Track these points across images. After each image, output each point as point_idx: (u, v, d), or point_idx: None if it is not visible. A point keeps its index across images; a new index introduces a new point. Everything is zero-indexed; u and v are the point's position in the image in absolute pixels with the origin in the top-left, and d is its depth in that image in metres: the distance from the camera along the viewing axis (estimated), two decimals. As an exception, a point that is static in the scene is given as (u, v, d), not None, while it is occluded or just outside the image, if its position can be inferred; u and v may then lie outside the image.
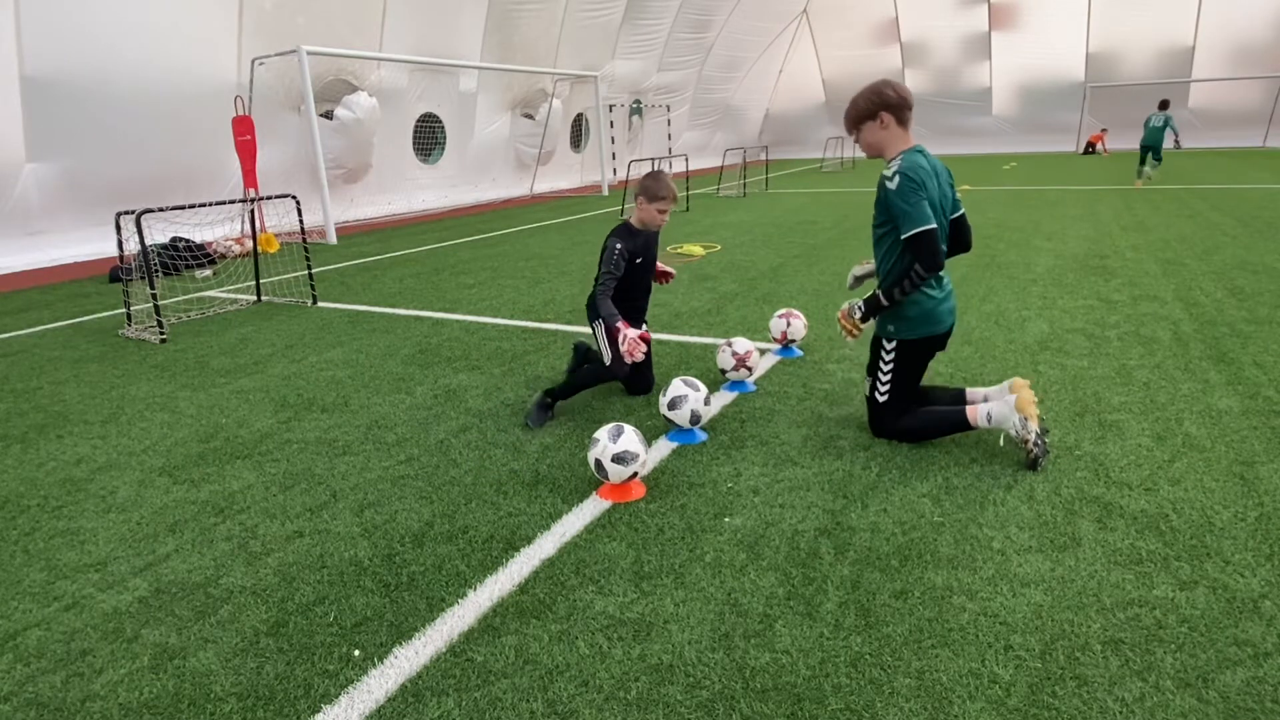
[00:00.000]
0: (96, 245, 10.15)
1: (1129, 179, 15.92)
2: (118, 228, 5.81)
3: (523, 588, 2.42)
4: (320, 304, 6.96)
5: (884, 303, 3.15)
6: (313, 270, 7.35)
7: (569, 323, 5.78)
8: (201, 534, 2.87)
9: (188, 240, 9.51)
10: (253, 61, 11.46)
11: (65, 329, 6.48)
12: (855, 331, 3.27)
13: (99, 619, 2.37)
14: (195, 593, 2.48)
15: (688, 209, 13.68)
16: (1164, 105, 16.17)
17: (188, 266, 9.26)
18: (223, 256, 10.01)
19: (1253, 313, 5.22)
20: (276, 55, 11.34)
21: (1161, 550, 2.47)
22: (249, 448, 3.68)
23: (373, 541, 2.75)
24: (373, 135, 13.49)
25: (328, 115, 12.84)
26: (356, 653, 2.15)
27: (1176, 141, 15.82)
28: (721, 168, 22.87)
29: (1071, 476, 3.00)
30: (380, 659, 2.11)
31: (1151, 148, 15.48)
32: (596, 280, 3.89)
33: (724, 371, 4.15)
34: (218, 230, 10.79)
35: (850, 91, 3.36)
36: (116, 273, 8.65)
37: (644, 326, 4.18)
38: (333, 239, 11.50)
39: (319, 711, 1.94)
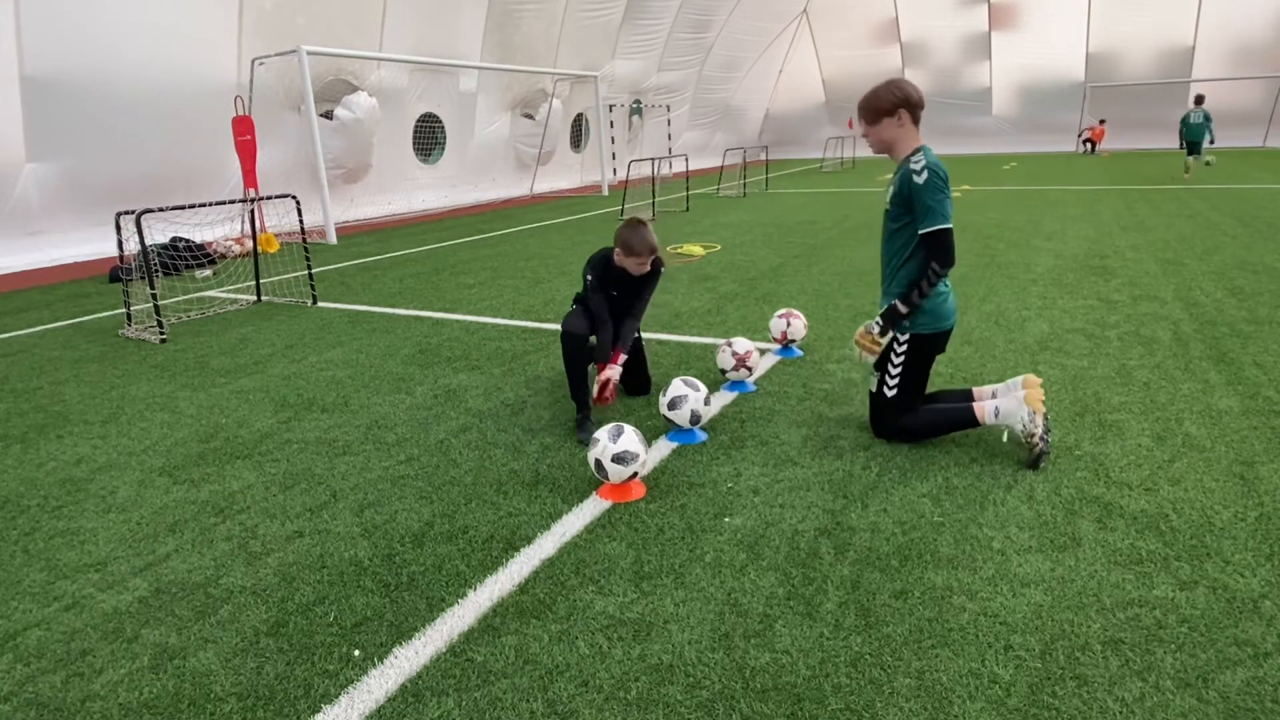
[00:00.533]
0: (96, 245, 10.15)
1: (1129, 179, 15.92)
2: (118, 228, 5.81)
3: (523, 588, 2.42)
4: (320, 304, 6.96)
5: (904, 310, 3.13)
6: (313, 270, 7.35)
7: (569, 323, 5.77)
8: (201, 534, 2.87)
9: (188, 240, 9.51)
10: (253, 61, 11.46)
11: (65, 329, 6.48)
12: (875, 349, 3.23)
13: (99, 619, 2.37)
14: (195, 593, 2.48)
15: (687, 209, 13.68)
16: (1199, 101, 16.44)
17: (188, 266, 9.26)
18: (223, 256, 10.02)
19: (1253, 313, 5.22)
20: (276, 55, 11.35)
21: (1161, 550, 2.47)
22: (249, 448, 3.68)
23: (373, 541, 2.75)
24: (373, 135, 13.49)
25: (328, 115, 12.84)
26: (356, 653, 2.15)
27: (1211, 137, 16.09)
28: (721, 168, 22.87)
29: (1071, 476, 3.00)
30: (380, 659, 2.11)
31: (1193, 144, 15.90)
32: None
33: (724, 371, 4.15)
34: (218, 230, 10.80)
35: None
36: (116, 273, 8.65)
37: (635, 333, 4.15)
38: (333, 239, 11.50)
39: (319, 711, 1.94)
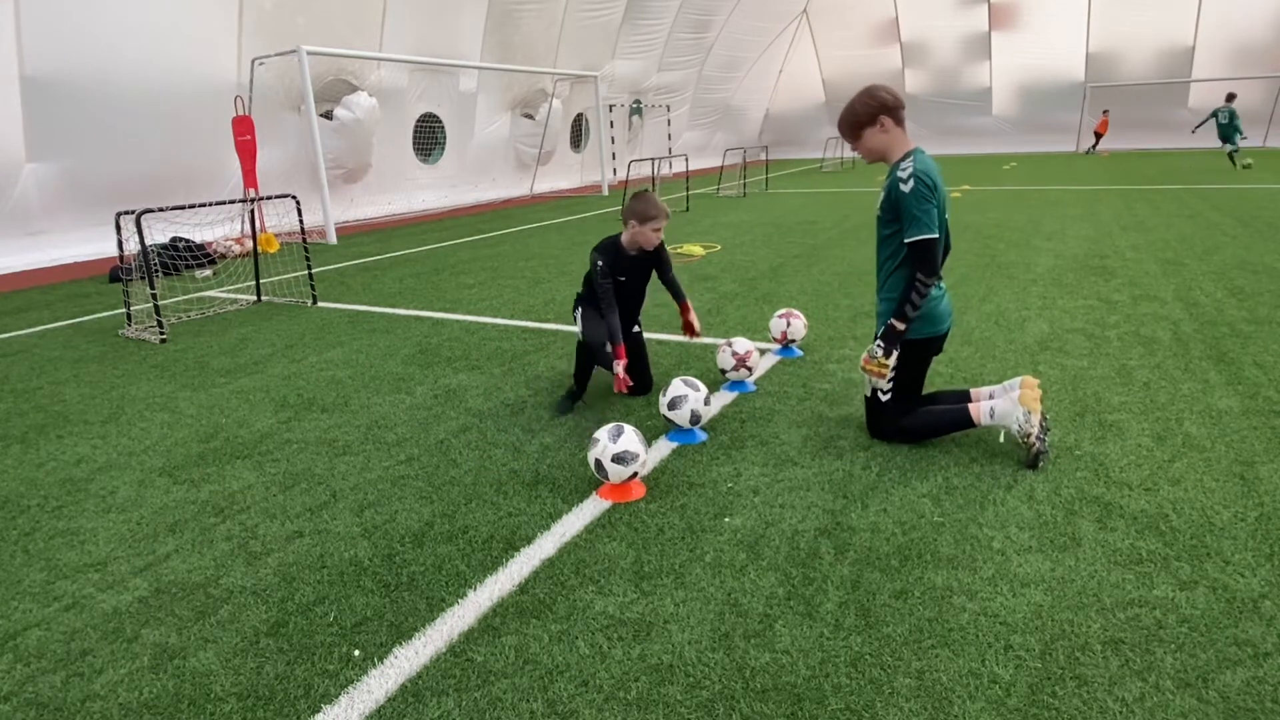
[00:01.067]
0: (96, 245, 10.15)
1: (1129, 179, 15.92)
2: (118, 228, 5.81)
3: (523, 588, 2.42)
4: (320, 304, 6.96)
5: (900, 327, 3.11)
6: (313, 270, 7.35)
7: (569, 323, 5.78)
8: (201, 534, 2.87)
9: (188, 240, 9.51)
10: (253, 61, 11.46)
11: (65, 329, 6.48)
12: (883, 372, 3.18)
13: (99, 619, 2.37)
14: (195, 593, 2.48)
15: (687, 209, 13.68)
16: (1230, 98, 18.28)
17: (188, 266, 9.26)
18: (223, 256, 10.02)
19: (1253, 313, 5.22)
20: (276, 55, 11.35)
21: (1161, 550, 2.47)
22: (249, 448, 3.68)
23: (373, 541, 2.75)
24: (373, 135, 13.49)
25: (328, 115, 12.84)
26: (356, 653, 2.15)
27: (1241, 134, 17.80)
28: (721, 168, 22.87)
29: (1071, 476, 3.00)
30: (380, 659, 2.11)
31: (1226, 139, 17.81)
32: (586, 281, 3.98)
33: (724, 371, 4.15)
34: (218, 230, 10.80)
35: (850, 91, 3.35)
36: (116, 273, 8.66)
37: (636, 328, 4.21)
38: (333, 239, 11.50)
39: (319, 711, 1.94)
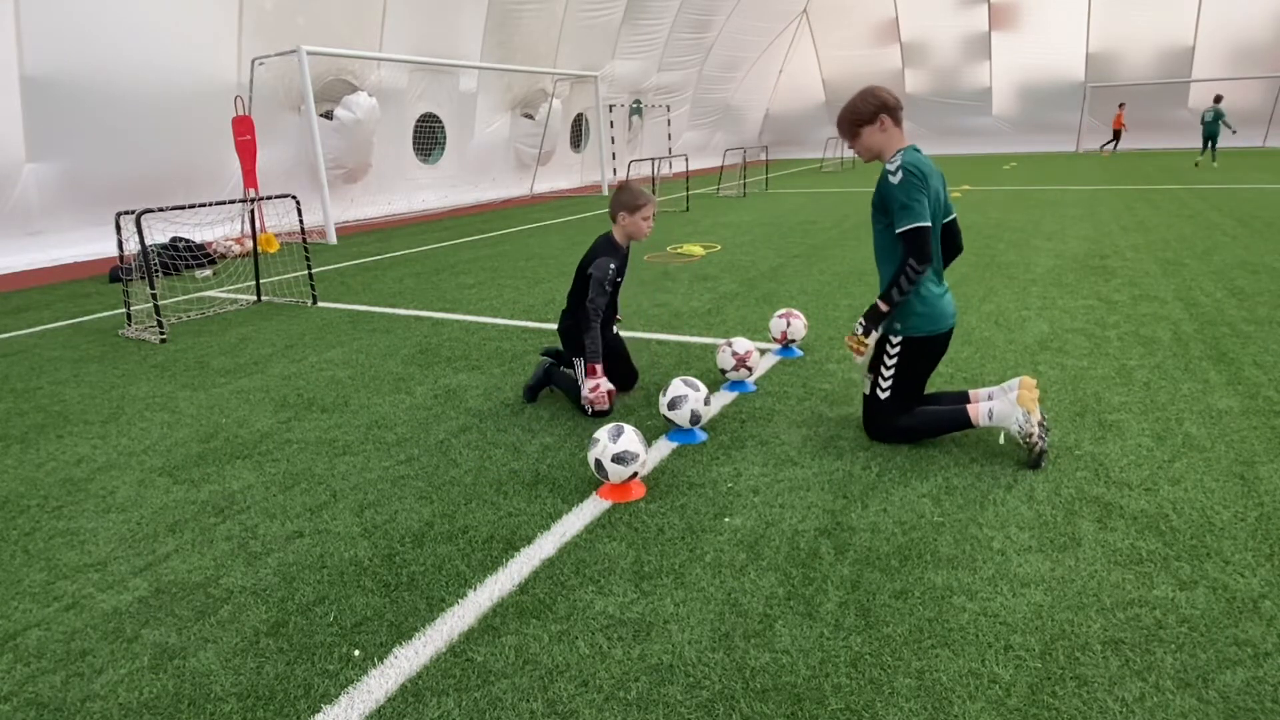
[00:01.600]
0: (96, 245, 10.16)
1: (1129, 179, 15.93)
2: (118, 228, 5.81)
3: (523, 588, 2.42)
4: (320, 304, 6.96)
5: (884, 308, 3.15)
6: (313, 270, 7.35)
7: (569, 323, 5.78)
8: (201, 534, 2.87)
9: (188, 240, 9.51)
10: (253, 61, 11.46)
11: (65, 329, 6.48)
12: (862, 349, 3.23)
13: (99, 619, 2.37)
14: (195, 593, 2.48)
15: (687, 209, 13.68)
16: (1218, 100, 19.82)
17: (188, 266, 9.26)
18: (223, 256, 10.02)
19: (1253, 313, 5.22)
20: (276, 55, 11.35)
21: (1161, 550, 2.47)
22: (249, 448, 3.68)
23: (373, 541, 2.75)
24: (372, 135, 13.49)
25: (328, 115, 12.84)
26: (356, 653, 2.15)
27: (1232, 129, 19.50)
28: (721, 168, 22.87)
29: (1071, 476, 3.00)
30: (380, 659, 2.11)
31: (1210, 138, 19.16)
32: (571, 295, 3.94)
33: (724, 371, 4.15)
34: (218, 230, 10.80)
35: (850, 91, 3.36)
36: (116, 273, 8.66)
37: (615, 327, 4.20)
38: (333, 239, 11.50)
39: (319, 711, 1.94)
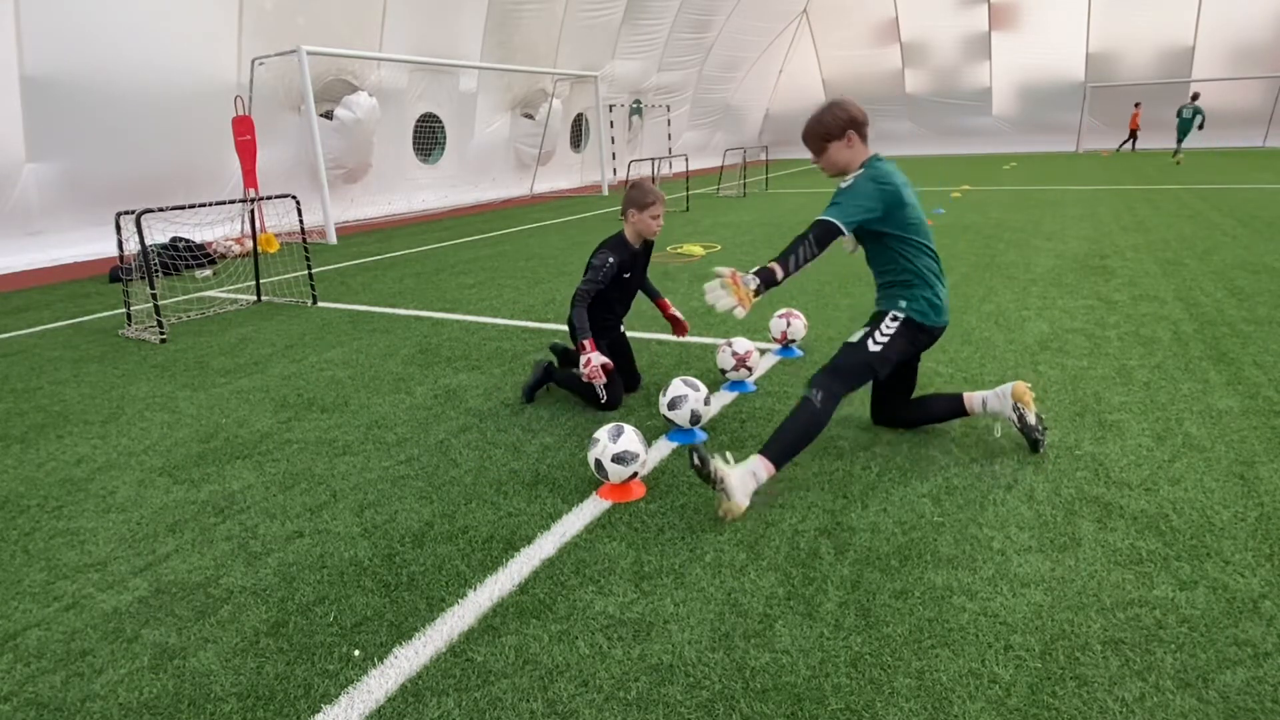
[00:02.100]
0: (96, 245, 10.15)
1: (1129, 179, 15.94)
2: (118, 228, 5.81)
3: (523, 588, 2.42)
4: (320, 304, 6.96)
5: (779, 275, 2.93)
6: (313, 270, 7.35)
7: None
8: (201, 534, 2.87)
9: (188, 240, 9.51)
10: (253, 61, 11.46)
11: (65, 329, 6.48)
12: (747, 303, 2.91)
13: (99, 619, 2.37)
14: (195, 593, 2.48)
15: (687, 209, 13.68)
16: (1195, 97, 21.67)
17: (188, 266, 9.26)
18: (223, 256, 10.02)
19: (1253, 313, 5.22)
20: (276, 55, 11.35)
21: (1161, 550, 2.47)
22: (249, 448, 3.68)
23: (373, 541, 2.75)
24: (373, 135, 13.49)
25: (328, 115, 12.84)
26: (356, 653, 2.15)
27: (1201, 125, 21.52)
28: (721, 168, 22.87)
29: (1071, 476, 3.00)
30: (380, 659, 2.11)
31: (1183, 134, 21.30)
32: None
33: (724, 371, 4.15)
34: (218, 230, 10.80)
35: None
36: (116, 273, 8.66)
37: (621, 329, 4.22)
38: (333, 239, 11.50)
39: (319, 711, 1.94)
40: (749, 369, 4.10)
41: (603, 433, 2.96)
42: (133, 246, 6.59)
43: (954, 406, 3.33)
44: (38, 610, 2.43)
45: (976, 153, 28.72)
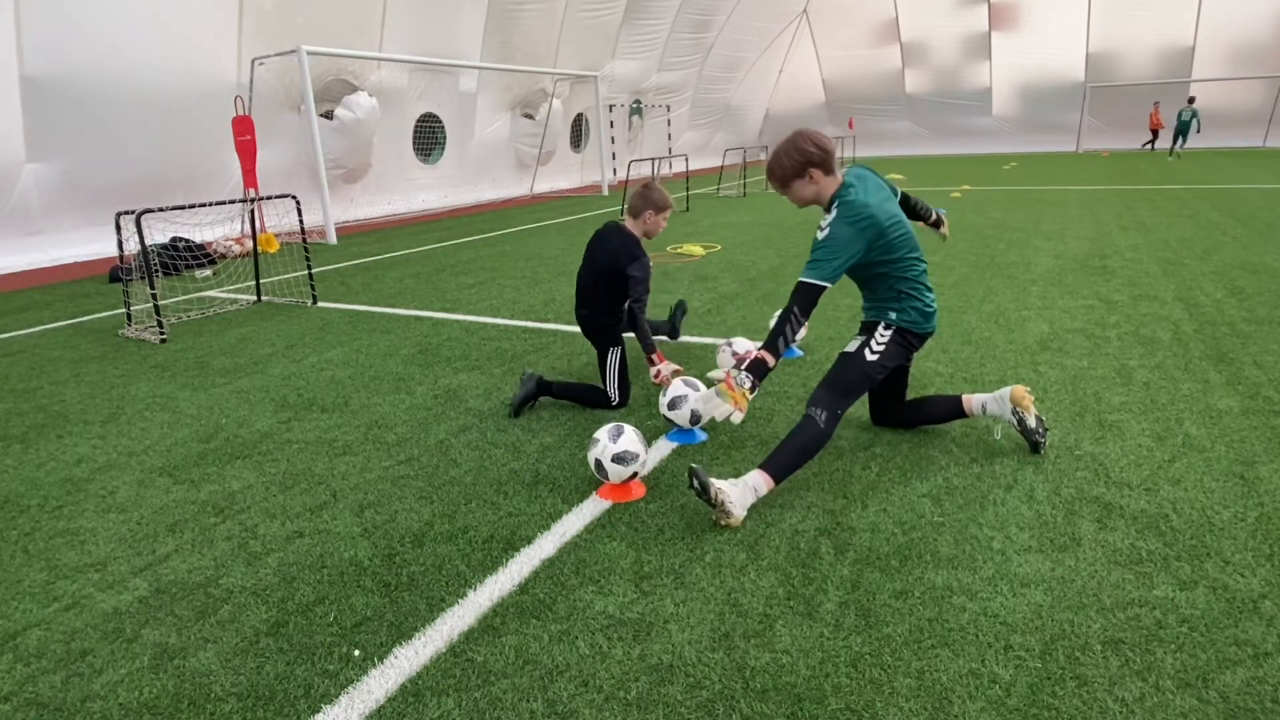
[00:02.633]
0: (96, 245, 10.15)
1: (1129, 179, 15.94)
2: (118, 228, 5.81)
3: (523, 588, 2.42)
4: (320, 304, 6.96)
5: (770, 362, 2.91)
6: (313, 270, 7.35)
7: (569, 323, 5.78)
8: (201, 534, 2.87)
9: (188, 240, 9.51)
10: (253, 61, 11.46)
11: (65, 329, 6.48)
12: (743, 404, 2.85)
13: (99, 619, 2.37)
14: (195, 593, 2.48)
15: (687, 209, 13.68)
16: (1191, 100, 23.35)
17: (188, 266, 9.26)
18: (223, 256, 10.02)
19: (1253, 313, 5.22)
20: (276, 55, 11.35)
21: (1161, 550, 2.47)
22: (249, 448, 3.68)
23: (373, 541, 2.75)
24: (373, 135, 13.49)
25: (328, 115, 12.84)
26: (356, 653, 2.15)
27: (1198, 129, 23.31)
28: (721, 168, 22.87)
29: (1071, 476, 3.00)
30: (380, 659, 2.11)
31: (1182, 134, 22.98)
32: (592, 289, 3.99)
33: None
34: (218, 230, 10.80)
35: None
36: (116, 273, 8.66)
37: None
38: (333, 239, 11.50)
39: (319, 711, 1.94)
40: (749, 369, 4.09)
41: (603, 433, 2.97)
42: (133, 246, 6.59)
43: (953, 408, 3.34)
44: (38, 610, 2.43)
45: (976, 153, 28.72)
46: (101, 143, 10.09)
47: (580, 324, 4.14)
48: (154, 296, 5.86)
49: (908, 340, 3.18)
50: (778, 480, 2.86)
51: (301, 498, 3.12)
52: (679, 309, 5.02)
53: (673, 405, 3.44)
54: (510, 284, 7.50)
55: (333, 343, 5.59)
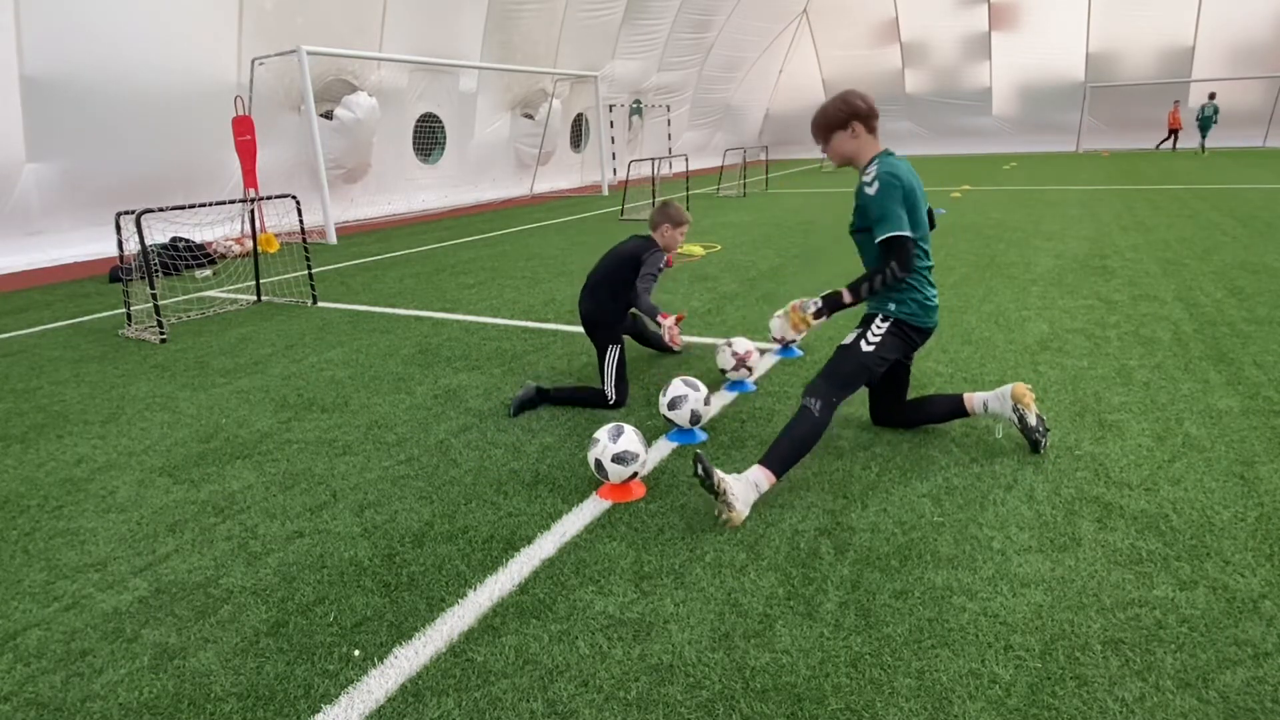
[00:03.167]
0: (96, 245, 10.16)
1: (1129, 179, 15.93)
2: (118, 228, 5.81)
3: (523, 588, 2.42)
4: (320, 304, 6.96)
5: (847, 300, 3.06)
6: (313, 270, 7.35)
7: (569, 323, 5.78)
8: (201, 534, 2.87)
9: (188, 240, 9.51)
10: (253, 61, 11.46)
11: (65, 329, 6.48)
12: (802, 328, 3.18)
13: (99, 619, 2.37)
14: (195, 593, 2.48)
15: (687, 209, 13.67)
16: (1211, 96, 23.74)
17: (188, 266, 9.26)
18: (223, 256, 10.02)
19: (1253, 313, 5.22)
20: (276, 55, 11.35)
21: (1161, 550, 2.47)
22: (249, 448, 3.68)
23: (373, 541, 2.75)
24: (373, 135, 13.49)
25: (328, 115, 12.84)
26: (356, 653, 2.15)
27: (1216, 121, 23.75)
28: (721, 168, 22.87)
29: (1071, 476, 3.00)
30: (380, 659, 2.11)
31: (1203, 130, 23.64)
32: (600, 283, 4.03)
33: (724, 371, 4.15)
34: (218, 230, 10.80)
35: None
36: (116, 273, 8.65)
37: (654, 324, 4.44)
38: (333, 239, 11.50)
39: (319, 711, 1.94)
40: (749, 369, 4.10)
41: (603, 433, 2.96)
42: (133, 246, 6.59)
43: (954, 407, 3.35)
44: (38, 610, 2.43)
45: (976, 153, 28.71)
46: (101, 143, 10.09)
47: (582, 318, 4.17)
48: (154, 296, 5.86)
49: (905, 333, 3.17)
50: (778, 474, 2.86)
51: (301, 498, 3.12)
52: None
53: (673, 405, 3.44)
54: (510, 284, 7.50)
55: (333, 343, 5.59)
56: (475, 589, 2.42)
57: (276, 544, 2.76)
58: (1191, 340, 4.67)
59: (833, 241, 9.32)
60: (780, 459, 2.88)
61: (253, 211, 7.24)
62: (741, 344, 4.11)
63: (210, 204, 6.61)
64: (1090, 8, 26.50)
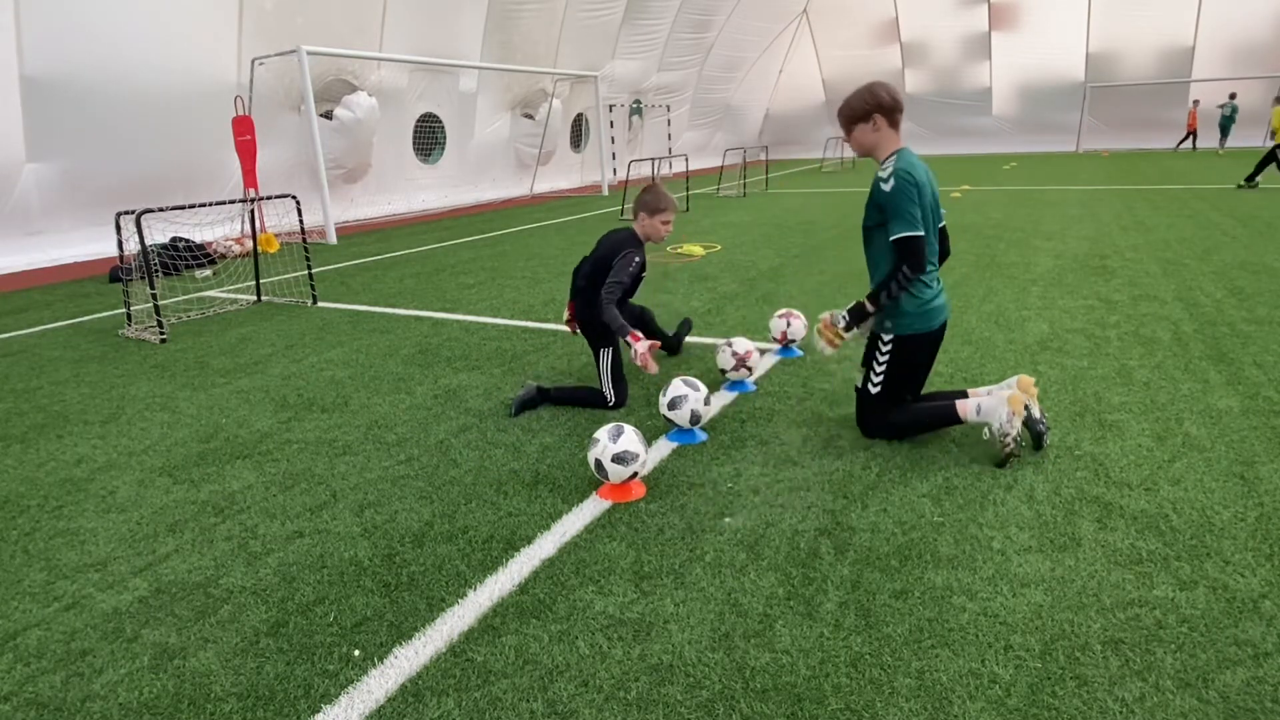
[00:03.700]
0: (96, 245, 10.16)
1: (1129, 179, 15.94)
2: (118, 228, 5.81)
3: (523, 588, 2.42)
4: (320, 304, 6.96)
5: (870, 309, 3.15)
6: (313, 270, 7.35)
7: (569, 323, 5.78)
8: (201, 534, 2.87)
9: (188, 240, 9.51)
10: (253, 61, 11.46)
11: (65, 329, 6.48)
12: (837, 342, 3.26)
13: (99, 619, 2.37)
14: (195, 593, 2.48)
15: (687, 209, 13.68)
16: (1232, 96, 24.06)
17: (188, 266, 9.26)
18: (223, 256, 10.02)
19: (1253, 313, 5.22)
20: (276, 55, 11.35)
21: (1161, 550, 2.47)
22: (249, 448, 3.68)
23: (373, 541, 2.75)
24: (373, 135, 13.49)
25: (328, 115, 12.84)
26: (356, 653, 2.15)
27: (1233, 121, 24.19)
28: (721, 168, 22.86)
29: (1071, 476, 3.00)
30: (380, 659, 2.11)
31: (1224, 130, 24.08)
32: (590, 283, 3.93)
33: (724, 371, 4.15)
34: (218, 230, 10.80)
35: (850, 92, 3.35)
36: (116, 273, 8.66)
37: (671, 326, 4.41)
38: (333, 239, 11.50)
39: (319, 711, 1.94)
40: (749, 369, 4.10)
41: (603, 433, 2.96)
42: (133, 246, 6.59)
43: (947, 414, 3.28)
44: (38, 610, 2.43)
45: (976, 153, 28.71)
46: (101, 143, 10.09)
47: (576, 320, 4.14)
48: (154, 296, 5.86)
49: (915, 346, 3.21)
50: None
51: (301, 498, 3.12)
52: (684, 326, 4.96)
53: (673, 405, 3.44)
54: (510, 284, 7.50)
55: (333, 343, 5.59)
56: (475, 589, 2.42)
57: (276, 544, 2.76)
58: (1191, 340, 4.67)
59: (833, 241, 9.32)
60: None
61: (253, 211, 7.24)
62: (741, 344, 4.11)
63: (210, 204, 6.61)
64: (1090, 8, 26.51)
